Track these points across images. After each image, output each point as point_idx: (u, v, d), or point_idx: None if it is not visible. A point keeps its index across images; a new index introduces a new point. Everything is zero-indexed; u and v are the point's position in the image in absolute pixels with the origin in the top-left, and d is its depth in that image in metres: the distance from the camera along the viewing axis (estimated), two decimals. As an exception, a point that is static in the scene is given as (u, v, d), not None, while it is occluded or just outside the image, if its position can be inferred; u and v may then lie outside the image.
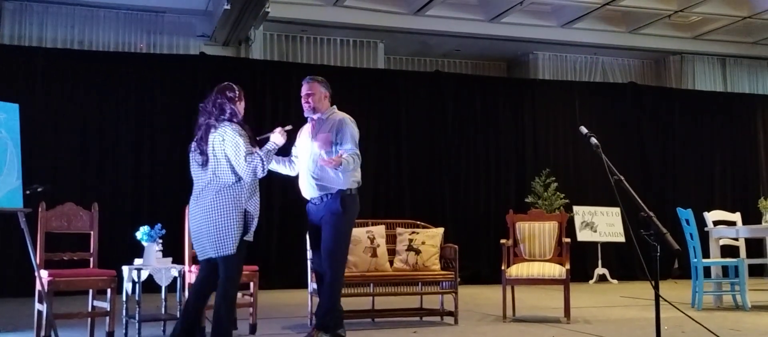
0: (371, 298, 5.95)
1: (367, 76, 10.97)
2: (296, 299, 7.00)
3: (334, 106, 4.97)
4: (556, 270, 5.89)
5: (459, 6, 11.16)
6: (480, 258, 10.26)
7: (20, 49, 9.41)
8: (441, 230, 6.01)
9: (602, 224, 10.59)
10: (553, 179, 10.43)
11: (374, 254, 5.72)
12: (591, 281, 10.38)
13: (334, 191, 4.71)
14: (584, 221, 10.52)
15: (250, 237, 4.14)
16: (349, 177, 4.75)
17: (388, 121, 10.60)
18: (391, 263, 5.87)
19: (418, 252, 5.82)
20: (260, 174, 4.12)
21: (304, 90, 4.90)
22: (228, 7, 9.08)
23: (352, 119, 4.88)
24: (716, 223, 7.43)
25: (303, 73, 10.78)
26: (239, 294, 5.39)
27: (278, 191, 9.22)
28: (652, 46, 12.55)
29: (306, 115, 4.91)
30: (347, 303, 5.92)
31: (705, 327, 4.46)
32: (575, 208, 10.46)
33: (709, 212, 7.49)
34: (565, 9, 11.32)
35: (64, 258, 5.01)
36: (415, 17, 11.08)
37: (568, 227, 6.60)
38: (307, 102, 4.85)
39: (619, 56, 12.99)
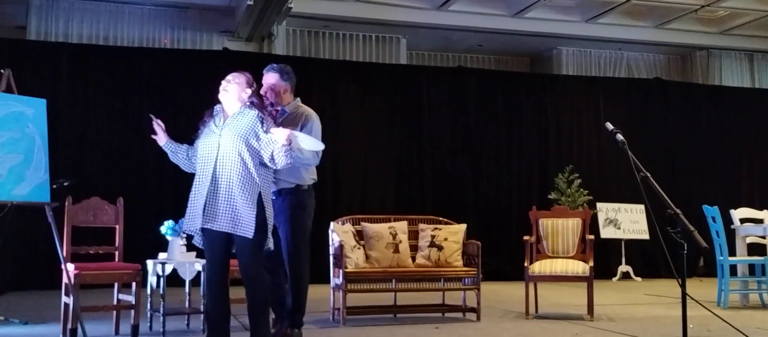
0: (393, 294, 5.95)
1: (389, 72, 10.96)
2: (318, 293, 7.01)
3: (298, 99, 4.79)
4: (580, 267, 5.84)
5: (482, 1, 11.11)
6: (501, 254, 10.20)
7: (47, 45, 9.53)
8: (463, 226, 6.00)
9: (626, 221, 10.50)
10: (577, 175, 10.36)
11: (396, 250, 5.72)
12: (614, 279, 10.30)
13: (292, 186, 4.58)
14: (608, 218, 10.43)
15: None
16: (310, 173, 4.65)
17: (411, 116, 10.59)
18: (414, 259, 5.88)
19: (440, 248, 5.81)
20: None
21: (264, 80, 4.64)
22: (251, 2, 9.12)
23: (317, 116, 4.69)
24: (743, 220, 7.33)
25: (326, 69, 10.97)
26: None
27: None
28: (678, 42, 12.41)
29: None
30: (369, 299, 5.96)
31: (731, 326, 4.41)
32: (599, 204, 10.38)
33: (735, 209, 7.39)
34: (589, 4, 11.22)
35: (90, 252, 5.06)
36: (438, 12, 11.05)
37: (591, 224, 6.55)
38: (265, 94, 4.59)
39: (645, 51, 12.85)
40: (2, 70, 5.56)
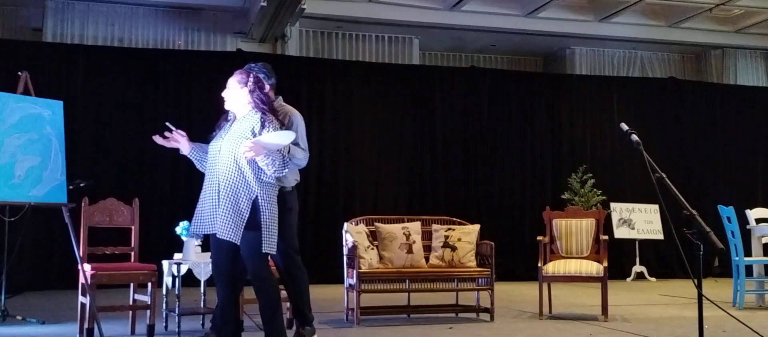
0: (407, 294, 5.96)
1: (402, 72, 10.96)
2: (332, 294, 7.05)
3: (280, 97, 4.71)
4: (594, 267, 5.83)
5: (495, 1, 11.09)
6: (515, 255, 10.21)
7: (63, 47, 9.60)
8: (477, 226, 6.00)
9: (640, 221, 10.45)
10: (590, 175, 10.32)
11: (410, 251, 5.73)
12: (629, 279, 10.26)
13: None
14: (622, 218, 10.39)
15: None
16: (294, 174, 4.62)
17: (424, 117, 10.59)
18: (427, 259, 5.88)
19: (454, 249, 5.82)
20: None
21: None
22: (264, 4, 9.15)
23: (299, 114, 4.64)
24: (758, 220, 7.29)
25: (339, 70, 11.01)
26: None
27: (313, 185, 9.31)
28: (693, 41, 12.33)
29: None
30: (383, 299, 5.97)
31: (747, 326, 4.38)
32: (612, 205, 10.34)
33: (751, 209, 7.35)
34: (602, 3, 11.17)
35: (106, 252, 5.11)
36: (451, 13, 11.04)
37: (605, 224, 6.53)
38: None
39: (659, 51, 12.78)
40: (19, 73, 5.63)
